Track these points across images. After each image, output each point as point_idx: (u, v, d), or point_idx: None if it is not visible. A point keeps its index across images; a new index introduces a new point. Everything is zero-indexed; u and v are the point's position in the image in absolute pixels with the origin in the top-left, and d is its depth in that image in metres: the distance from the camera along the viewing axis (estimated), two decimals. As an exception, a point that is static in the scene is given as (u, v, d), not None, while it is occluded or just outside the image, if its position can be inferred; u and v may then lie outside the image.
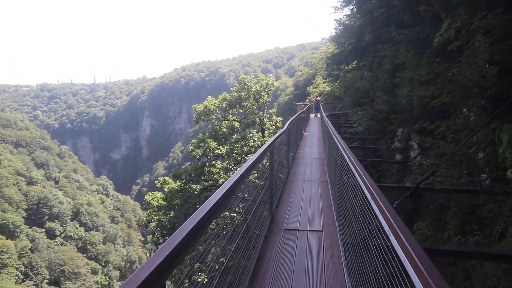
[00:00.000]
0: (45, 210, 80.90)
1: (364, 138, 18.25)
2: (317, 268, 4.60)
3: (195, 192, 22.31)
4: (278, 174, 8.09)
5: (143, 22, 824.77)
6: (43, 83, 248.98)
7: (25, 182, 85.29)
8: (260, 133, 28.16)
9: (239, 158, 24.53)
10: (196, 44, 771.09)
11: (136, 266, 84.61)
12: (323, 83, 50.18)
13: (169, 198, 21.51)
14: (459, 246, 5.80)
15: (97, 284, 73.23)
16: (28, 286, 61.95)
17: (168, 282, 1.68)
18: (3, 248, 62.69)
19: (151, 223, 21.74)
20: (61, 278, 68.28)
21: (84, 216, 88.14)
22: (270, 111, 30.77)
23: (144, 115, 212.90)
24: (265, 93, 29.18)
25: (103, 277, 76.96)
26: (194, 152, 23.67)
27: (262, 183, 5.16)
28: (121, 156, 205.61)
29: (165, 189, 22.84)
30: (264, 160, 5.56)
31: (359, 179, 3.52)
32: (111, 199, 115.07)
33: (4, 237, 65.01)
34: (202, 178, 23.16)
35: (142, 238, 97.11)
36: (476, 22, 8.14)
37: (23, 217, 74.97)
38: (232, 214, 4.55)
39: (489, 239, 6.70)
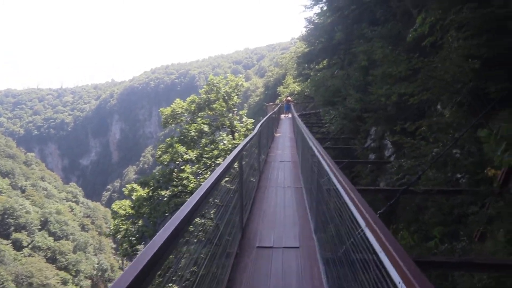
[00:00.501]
0: (11, 220, 78.03)
1: (337, 138, 17.94)
2: None
3: (164, 199, 21.60)
4: (250, 178, 7.53)
5: (111, 25, 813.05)
6: (7, 89, 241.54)
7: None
8: (230, 135, 27.54)
9: (209, 162, 23.94)
10: (165, 47, 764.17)
11: (108, 274, 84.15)
12: (294, 82, 50.08)
13: (136, 207, 20.68)
14: (447, 256, 5.36)
15: None
16: (-8, 301, 59.64)
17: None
18: (-35, 263, 60.16)
19: (118, 233, 20.89)
20: (29, 291, 66.11)
21: (53, 225, 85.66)
22: (241, 112, 30.20)
23: (113, 119, 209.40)
24: (234, 94, 28.54)
25: (74, 287, 74.99)
26: (162, 158, 22.90)
27: (231, 195, 4.57)
28: (91, 161, 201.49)
29: (133, 197, 21.98)
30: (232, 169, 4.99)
31: (339, 187, 3.17)
32: (81, 206, 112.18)
33: (-35, 251, 62.51)
34: (172, 183, 22.44)
35: (114, 245, 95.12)
36: (450, 17, 7.83)
37: (-14, 230, 72.20)
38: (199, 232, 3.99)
39: (470, 240, 6.40)
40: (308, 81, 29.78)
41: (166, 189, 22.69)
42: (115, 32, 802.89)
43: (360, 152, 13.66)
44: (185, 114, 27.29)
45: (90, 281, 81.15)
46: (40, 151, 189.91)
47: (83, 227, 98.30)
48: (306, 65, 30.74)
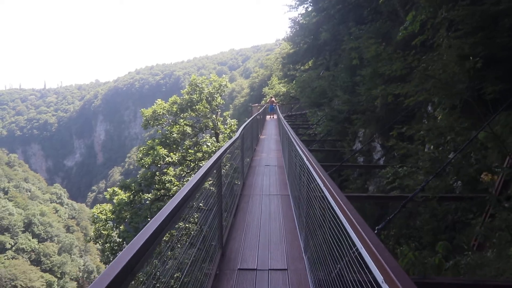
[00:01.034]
0: None
1: (324, 140, 17.56)
2: None
3: (147, 202, 20.95)
4: (231, 186, 6.95)
5: (95, 25, 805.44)
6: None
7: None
8: (214, 137, 26.93)
9: (193, 164, 23.36)
10: (150, 47, 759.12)
11: (94, 276, 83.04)
12: (279, 83, 49.97)
13: (117, 211, 19.97)
14: (455, 277, 4.85)
15: None
16: (-25, 305, 58.69)
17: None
18: None
19: (100, 239, 20.18)
20: (13, 293, 65.22)
21: (37, 227, 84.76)
22: (225, 113, 29.46)
23: (98, 120, 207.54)
24: (218, 95, 27.86)
25: (59, 289, 74.30)
26: (142, 160, 22.19)
27: (206, 213, 4.04)
28: (75, 163, 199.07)
29: (115, 201, 21.24)
30: (211, 179, 4.42)
31: (333, 202, 2.79)
32: (65, 207, 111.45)
33: None
34: (155, 186, 21.80)
35: (100, 247, 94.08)
36: (442, 15, 7.47)
37: (-32, 232, 71.14)
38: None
39: (468, 247, 6.01)
40: (294, 82, 29.55)
41: (148, 193, 22.09)
42: (99, 31, 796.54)
43: (348, 155, 13.24)
44: (167, 115, 26.55)
45: (75, 283, 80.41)
46: (24, 152, 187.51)
47: (68, 229, 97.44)
48: (291, 66, 30.53)
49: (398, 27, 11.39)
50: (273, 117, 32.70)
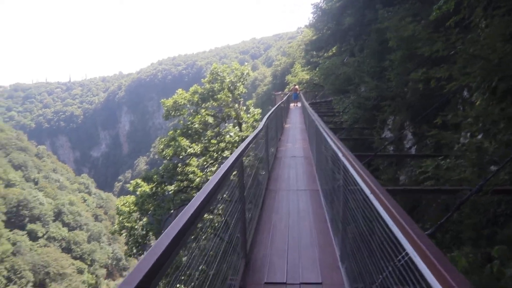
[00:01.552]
0: (25, 212, 79.82)
1: (351, 128, 16.95)
2: None
3: (170, 192, 20.66)
4: (255, 183, 6.17)
5: (117, 18, 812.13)
6: (17, 83, 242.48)
7: (3, 185, 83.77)
8: (237, 127, 26.45)
9: (216, 155, 22.95)
10: (171, 38, 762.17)
11: (122, 263, 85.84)
12: (302, 71, 49.24)
13: (140, 203, 19.77)
14: None
15: (84, 284, 73.00)
16: (12, 290, 60.66)
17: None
18: (-17, 253, 61.29)
19: (124, 230, 20.00)
20: (46, 280, 67.39)
21: (67, 216, 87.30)
22: (248, 102, 28.87)
23: (122, 111, 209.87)
24: (240, 83, 27.20)
25: (90, 276, 76.72)
26: (164, 152, 21.88)
27: (227, 220, 3.49)
28: (102, 153, 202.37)
29: (138, 192, 20.93)
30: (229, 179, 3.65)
31: (376, 203, 2.35)
32: (93, 197, 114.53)
33: (-17, 242, 63.73)
34: (177, 178, 21.48)
35: (124, 239, 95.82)
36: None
37: (2, 221, 73.54)
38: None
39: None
40: (317, 69, 28.97)
41: (171, 184, 21.76)
42: (121, 24, 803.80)
43: (377, 143, 12.64)
44: (188, 105, 26.05)
45: (105, 270, 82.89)
46: (52, 144, 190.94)
47: (96, 218, 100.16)
48: (315, 52, 29.88)
49: (428, 8, 10.73)
50: (296, 105, 32.20)
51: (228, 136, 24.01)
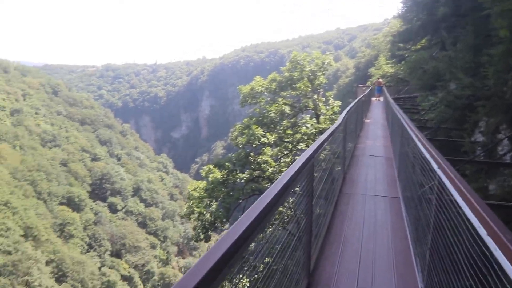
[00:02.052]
0: (107, 185, 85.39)
1: (437, 128, 15.66)
2: None
3: (242, 181, 20.39)
4: (327, 185, 5.36)
5: (202, 4, 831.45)
6: (108, 63, 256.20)
7: (90, 158, 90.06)
8: (314, 118, 25.39)
9: (291, 146, 22.27)
10: (255, 25, 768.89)
11: (193, 243, 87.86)
12: (387, 64, 47.24)
13: (210, 190, 19.62)
14: None
15: (156, 258, 76.70)
16: (92, 256, 64.63)
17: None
18: (70, 220, 66.11)
19: (192, 215, 19.97)
20: (122, 250, 71.54)
21: (144, 193, 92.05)
22: (327, 94, 27.67)
23: (203, 95, 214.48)
24: (320, 73, 25.99)
25: (162, 251, 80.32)
26: (237, 140, 21.57)
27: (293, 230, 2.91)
28: (182, 135, 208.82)
29: (210, 179, 20.55)
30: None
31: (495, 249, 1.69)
32: (170, 177, 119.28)
33: (70, 210, 68.64)
34: (250, 167, 21.10)
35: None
36: None
37: (87, 192, 78.71)
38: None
39: None
40: (403, 63, 27.45)
41: (243, 173, 21.32)
42: (206, 10, 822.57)
43: (467, 147, 11.44)
44: (265, 93, 25.35)
45: (176, 247, 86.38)
46: (135, 123, 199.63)
47: (171, 197, 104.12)
48: (402, 45, 28.32)
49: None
50: (379, 99, 30.96)
51: (304, 127, 23.16)
